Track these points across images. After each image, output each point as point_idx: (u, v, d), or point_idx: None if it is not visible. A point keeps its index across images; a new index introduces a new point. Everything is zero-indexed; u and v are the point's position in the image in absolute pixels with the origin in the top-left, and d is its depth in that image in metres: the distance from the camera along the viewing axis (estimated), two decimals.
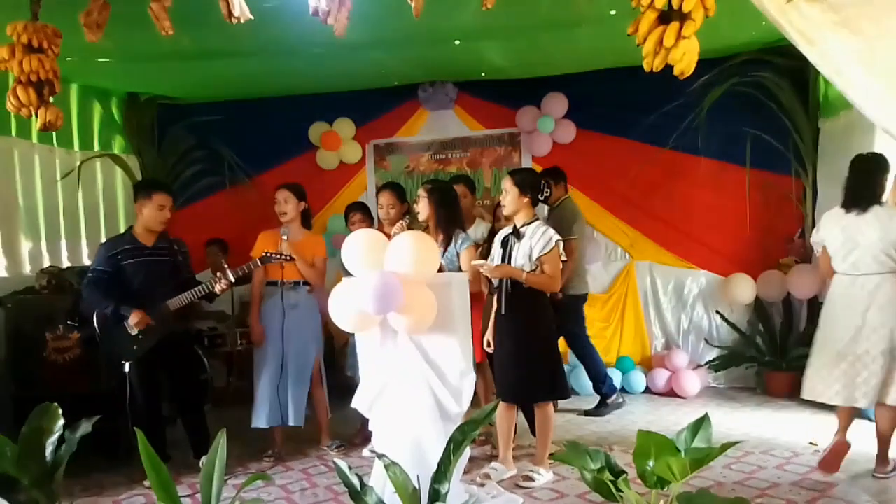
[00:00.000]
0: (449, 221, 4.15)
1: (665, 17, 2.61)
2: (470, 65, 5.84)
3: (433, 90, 6.36)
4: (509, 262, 3.84)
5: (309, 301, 4.53)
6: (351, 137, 6.52)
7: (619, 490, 2.38)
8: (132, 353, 4.02)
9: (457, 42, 5.04)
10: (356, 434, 4.71)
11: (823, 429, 4.63)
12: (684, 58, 2.56)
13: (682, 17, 2.55)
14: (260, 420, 4.39)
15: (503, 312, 3.88)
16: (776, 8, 2.61)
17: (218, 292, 4.10)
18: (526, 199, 3.88)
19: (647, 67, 2.64)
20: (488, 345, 4.01)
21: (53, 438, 2.91)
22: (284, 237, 4.36)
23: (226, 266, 4.07)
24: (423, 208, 4.15)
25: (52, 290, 4.49)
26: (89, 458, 3.17)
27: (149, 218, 4.14)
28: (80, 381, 4.29)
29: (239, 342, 6.01)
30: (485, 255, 4.17)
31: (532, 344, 3.86)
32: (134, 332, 4.00)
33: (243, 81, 5.90)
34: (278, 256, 4.18)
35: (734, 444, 2.37)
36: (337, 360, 5.72)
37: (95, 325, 4.07)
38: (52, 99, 3.25)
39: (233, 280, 4.05)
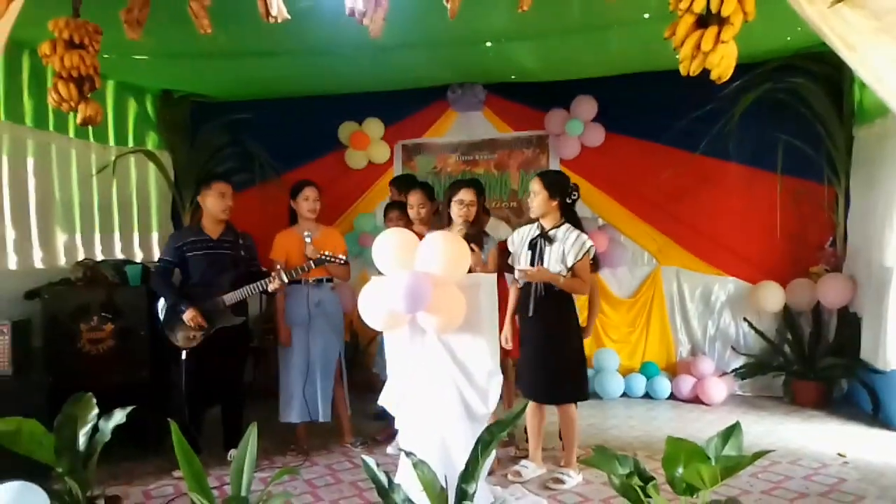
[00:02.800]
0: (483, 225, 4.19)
1: (703, 20, 2.61)
2: (500, 67, 5.83)
3: (462, 91, 6.37)
4: (540, 265, 3.84)
5: (333, 297, 4.59)
6: (379, 137, 6.55)
7: (647, 496, 2.37)
8: (189, 342, 4.16)
9: (488, 44, 5.04)
10: (380, 431, 4.74)
11: (852, 440, 4.58)
12: (722, 62, 2.55)
13: (721, 22, 2.54)
14: (291, 415, 4.46)
15: (531, 314, 3.88)
16: (817, 13, 2.57)
17: (271, 291, 4.16)
18: (555, 203, 3.88)
19: (683, 72, 2.63)
20: (506, 342, 4.02)
21: (87, 428, 2.98)
22: (308, 239, 4.38)
23: (279, 266, 4.15)
24: (474, 213, 4.06)
25: (87, 282, 4.56)
26: (120, 448, 3.22)
27: (212, 207, 4.31)
28: (113, 371, 4.35)
29: (265, 338, 6.07)
30: None
31: (561, 345, 3.88)
32: (190, 330, 4.16)
33: (275, 80, 5.96)
34: (333, 259, 4.20)
35: (766, 452, 2.35)
36: (363, 358, 5.76)
37: (158, 313, 4.26)
38: (90, 94, 3.33)
39: (286, 280, 4.13)
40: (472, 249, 3.50)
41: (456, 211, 4.04)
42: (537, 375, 3.91)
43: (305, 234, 4.40)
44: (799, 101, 5.52)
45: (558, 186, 3.90)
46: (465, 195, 4.05)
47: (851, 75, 5.32)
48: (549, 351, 3.86)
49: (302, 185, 4.55)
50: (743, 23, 2.58)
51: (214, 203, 4.30)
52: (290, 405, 4.45)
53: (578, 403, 4.02)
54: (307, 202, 4.49)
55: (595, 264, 4.35)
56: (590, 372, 5.98)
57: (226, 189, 4.34)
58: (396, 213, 4.83)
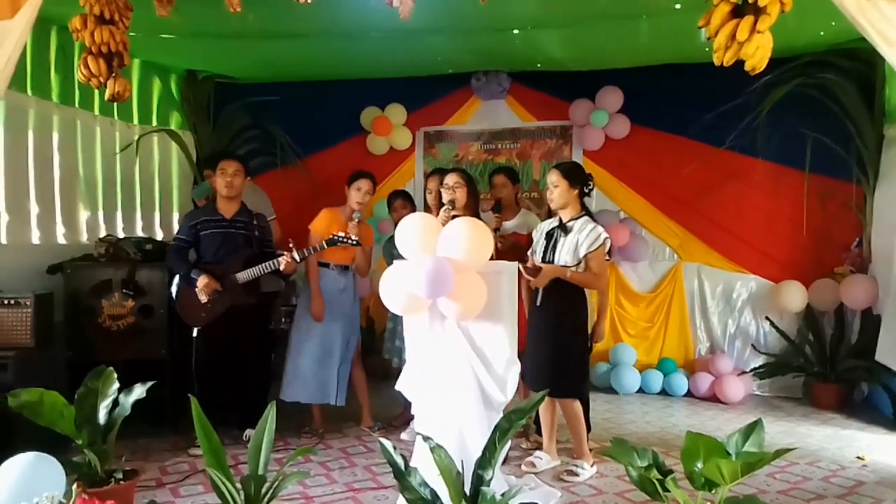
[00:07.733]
0: (476, 212, 4.13)
1: (738, 10, 2.56)
2: (526, 55, 5.78)
3: (486, 79, 6.32)
4: (553, 255, 3.83)
5: (354, 284, 4.61)
6: (402, 123, 6.53)
7: (665, 490, 2.35)
8: (200, 320, 4.17)
9: (515, 31, 4.99)
10: (397, 417, 4.75)
11: (872, 443, 4.51)
12: (757, 53, 2.51)
13: (757, 11, 2.50)
14: (298, 395, 4.45)
15: (539, 304, 3.86)
16: (855, 6, 2.52)
17: (283, 270, 4.15)
18: (575, 192, 3.86)
19: (717, 62, 2.59)
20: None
21: (108, 401, 2.99)
22: (356, 219, 4.39)
23: (292, 245, 4.15)
24: (461, 196, 4.04)
25: (109, 258, 4.59)
26: (136, 424, 3.24)
27: (220, 186, 4.33)
28: (132, 348, 4.39)
29: (283, 320, 6.08)
30: None
31: (563, 339, 3.84)
32: (203, 299, 4.14)
33: (300, 63, 5.95)
34: (345, 240, 4.20)
35: (789, 450, 2.32)
36: (379, 344, 5.76)
37: (172, 290, 4.28)
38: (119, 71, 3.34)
39: (298, 259, 4.13)
40: None
41: (444, 196, 4.05)
42: (540, 366, 3.86)
43: (355, 213, 4.43)
44: (829, 97, 5.42)
45: (576, 175, 3.89)
46: (449, 179, 4.06)
47: (884, 73, 5.21)
48: (551, 343, 3.83)
49: (358, 175, 4.53)
50: (779, 13, 2.54)
51: (218, 181, 4.33)
52: (298, 385, 4.43)
53: (589, 397, 3.98)
54: (358, 193, 4.47)
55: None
56: (606, 366, 5.96)
57: (227, 165, 4.31)
58: (400, 201, 4.86)
